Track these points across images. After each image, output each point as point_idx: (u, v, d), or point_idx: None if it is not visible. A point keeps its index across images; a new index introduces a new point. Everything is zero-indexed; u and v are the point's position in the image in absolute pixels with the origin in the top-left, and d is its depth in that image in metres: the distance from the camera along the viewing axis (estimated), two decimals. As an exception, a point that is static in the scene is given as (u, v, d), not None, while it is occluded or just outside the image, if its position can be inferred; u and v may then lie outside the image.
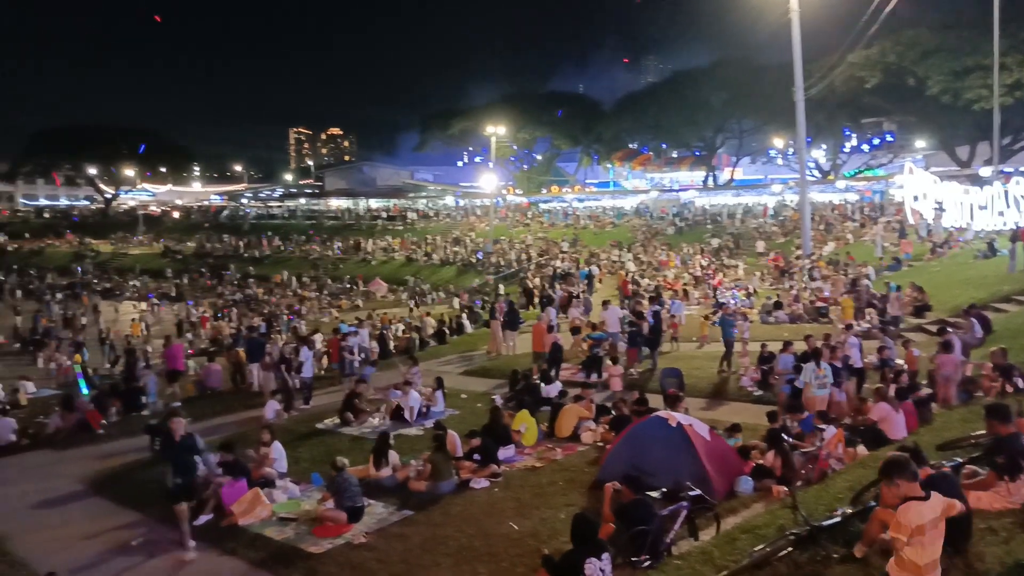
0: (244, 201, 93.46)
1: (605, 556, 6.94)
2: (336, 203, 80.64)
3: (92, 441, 15.64)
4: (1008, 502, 7.29)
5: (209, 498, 10.73)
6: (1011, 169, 37.07)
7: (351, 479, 10.52)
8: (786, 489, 9.32)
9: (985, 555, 6.46)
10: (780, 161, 63.81)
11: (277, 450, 12.38)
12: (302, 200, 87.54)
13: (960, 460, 8.45)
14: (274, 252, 63.53)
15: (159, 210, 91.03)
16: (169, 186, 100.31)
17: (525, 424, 13.75)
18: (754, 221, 48.20)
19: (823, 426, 11.26)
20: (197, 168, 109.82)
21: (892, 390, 12.30)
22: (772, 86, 45.03)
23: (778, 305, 24.96)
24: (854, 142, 61.03)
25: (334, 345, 21.00)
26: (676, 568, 7.35)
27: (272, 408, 16.00)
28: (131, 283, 54.91)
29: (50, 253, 71.35)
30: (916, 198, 34.73)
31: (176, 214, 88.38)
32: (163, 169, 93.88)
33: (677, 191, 63.67)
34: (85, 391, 20.21)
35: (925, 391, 13.21)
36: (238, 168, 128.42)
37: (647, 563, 7.67)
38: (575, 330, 22.41)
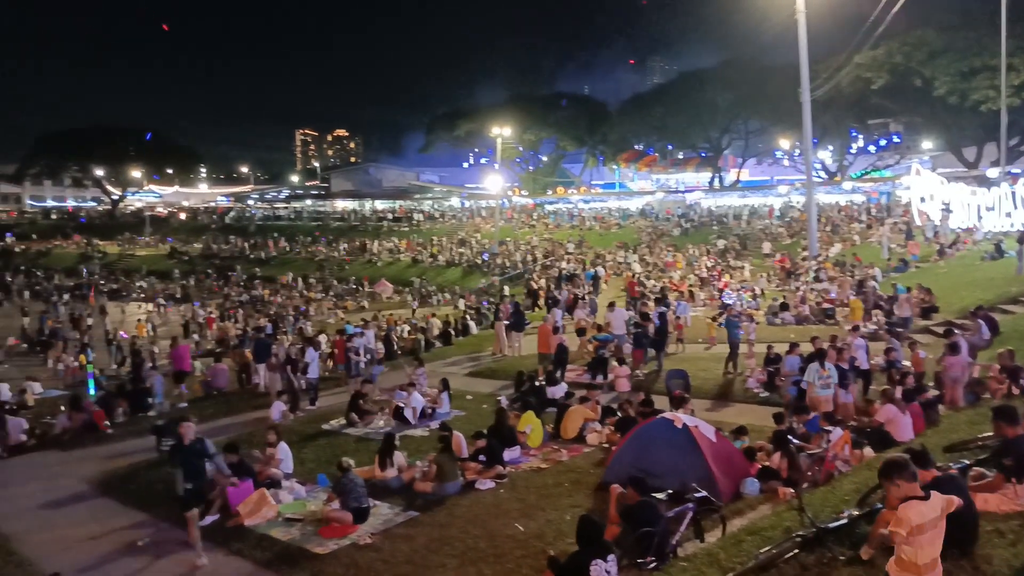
0: (250, 202, 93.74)
1: (611, 558, 6.92)
2: (342, 204, 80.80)
3: (99, 441, 15.70)
4: (1015, 504, 7.25)
5: (215, 498, 10.77)
6: (1018, 170, 37.06)
7: (357, 480, 10.53)
8: (792, 491, 9.27)
9: (992, 558, 6.43)
10: (786, 162, 63.72)
11: (283, 451, 12.40)
12: (308, 201, 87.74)
13: (967, 462, 8.41)
14: (280, 253, 63.60)
15: (166, 211, 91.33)
16: (176, 187, 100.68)
17: (531, 425, 13.75)
18: (760, 222, 48.12)
19: (829, 428, 11.24)
20: (204, 170, 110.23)
21: (899, 392, 12.26)
22: (778, 87, 44.98)
23: (784, 306, 24.92)
24: (861, 143, 60.96)
25: (340, 346, 21.04)
26: (682, 570, 7.33)
27: (278, 409, 16.03)
28: (138, 284, 55.10)
29: (57, 254, 71.60)
30: (923, 199, 34.66)
31: (183, 215, 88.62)
32: (170, 171, 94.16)
33: (683, 192, 63.59)
34: (92, 392, 20.27)
35: (932, 393, 13.17)
36: (244, 170, 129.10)
37: (653, 565, 7.65)
38: (581, 331, 22.40)
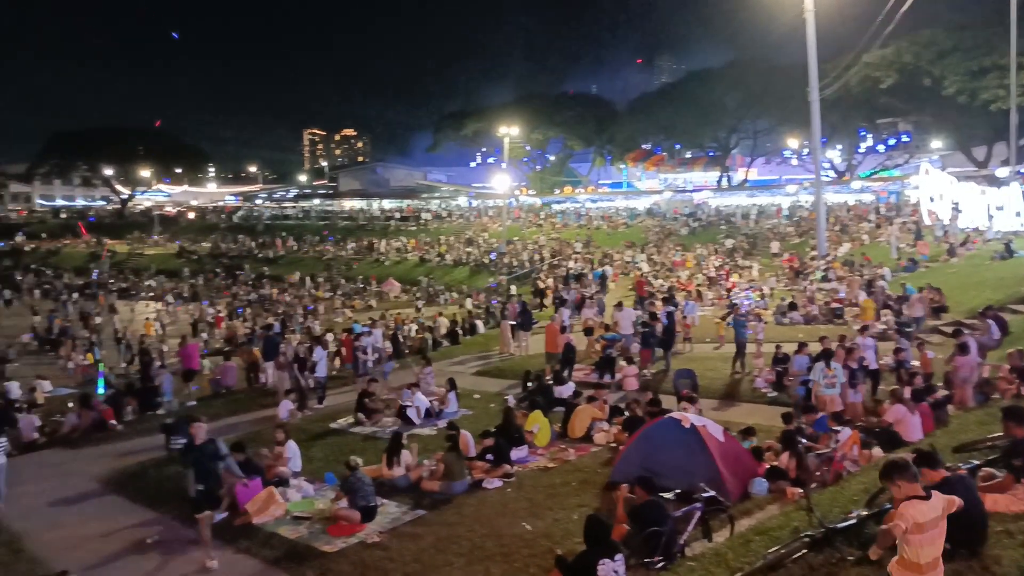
0: (259, 202, 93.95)
1: (618, 557, 6.93)
2: (350, 204, 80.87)
3: (108, 439, 15.79)
4: (1025, 505, 7.23)
5: (224, 496, 10.79)
6: (1029, 169, 36.70)
7: (364, 478, 10.55)
8: (801, 491, 9.26)
9: (1002, 558, 6.41)
10: (795, 162, 63.47)
11: (291, 449, 12.45)
12: (316, 201, 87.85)
13: (977, 462, 8.39)
14: (288, 252, 63.72)
15: (174, 210, 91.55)
16: (184, 187, 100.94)
17: (538, 424, 13.75)
18: (768, 222, 47.99)
19: (838, 428, 11.21)
20: (212, 169, 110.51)
21: (908, 392, 12.22)
22: (787, 86, 44.83)
23: (792, 306, 24.85)
24: (869, 142, 60.66)
25: (347, 345, 21.08)
26: (689, 570, 7.33)
27: (286, 407, 16.08)
28: (147, 283, 55.32)
29: (67, 253, 71.94)
30: (932, 199, 34.50)
31: (191, 214, 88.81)
32: (179, 170, 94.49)
33: (691, 192, 63.46)
34: (101, 390, 20.37)
35: (942, 393, 13.13)
36: (253, 169, 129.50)
37: (660, 564, 7.66)
38: (588, 331, 22.39)
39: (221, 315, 38.09)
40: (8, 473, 12.16)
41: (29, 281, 56.20)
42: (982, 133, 47.41)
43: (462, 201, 74.39)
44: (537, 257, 45.66)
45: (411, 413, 15.66)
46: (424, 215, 69.70)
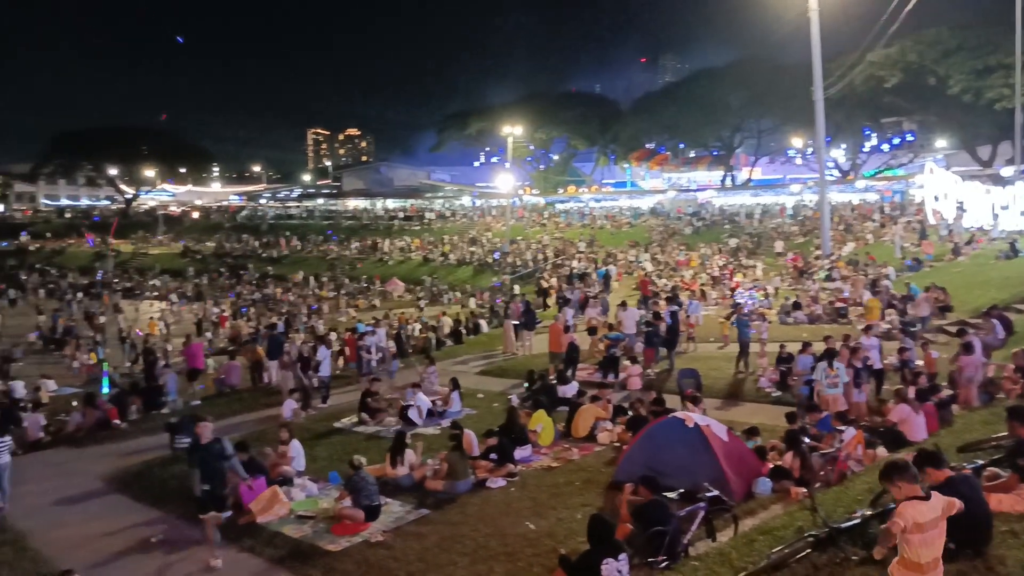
0: (263, 201, 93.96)
1: (622, 557, 6.92)
2: (353, 203, 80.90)
3: (112, 439, 15.81)
4: (1030, 505, 7.21)
5: (228, 496, 10.79)
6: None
7: (368, 478, 10.56)
8: (805, 490, 9.25)
9: (1006, 558, 6.40)
10: (799, 161, 63.40)
11: (295, 448, 12.46)
12: (320, 200, 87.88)
13: (981, 462, 8.37)
14: (292, 252, 63.82)
15: (179, 210, 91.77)
16: (189, 186, 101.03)
17: (542, 424, 13.75)
18: (772, 221, 47.91)
19: (842, 427, 11.19)
20: (216, 169, 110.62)
21: (912, 391, 12.20)
22: (791, 85, 44.70)
23: (797, 306, 24.82)
24: (874, 141, 60.51)
25: (351, 344, 21.09)
26: (693, 569, 7.32)
27: (289, 407, 16.09)
28: (151, 282, 55.44)
29: (72, 253, 72.13)
30: (937, 198, 34.42)
31: (195, 214, 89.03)
32: (183, 170, 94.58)
33: (695, 191, 63.35)
34: (105, 389, 20.42)
35: (946, 393, 13.10)
36: (257, 169, 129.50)
37: (664, 564, 7.65)
38: (592, 330, 22.39)
39: (225, 314, 38.15)
40: (12, 472, 12.17)
41: (34, 281, 56.46)
42: (987, 132, 47.30)
43: (466, 201, 74.36)
44: (541, 256, 45.64)
45: (412, 413, 15.65)
46: (428, 215, 69.74)
